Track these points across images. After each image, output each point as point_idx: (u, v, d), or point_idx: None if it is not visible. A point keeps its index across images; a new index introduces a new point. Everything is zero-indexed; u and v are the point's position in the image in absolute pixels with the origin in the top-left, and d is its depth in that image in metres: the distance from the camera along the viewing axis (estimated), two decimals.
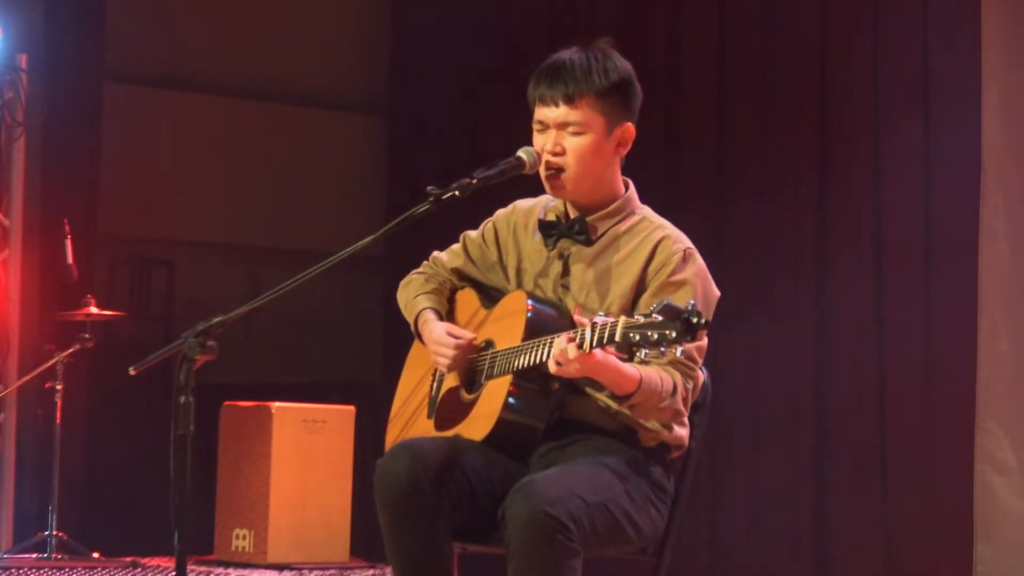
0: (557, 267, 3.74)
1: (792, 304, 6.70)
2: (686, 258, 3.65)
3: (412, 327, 3.93)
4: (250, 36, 9.37)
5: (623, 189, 3.76)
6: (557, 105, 3.66)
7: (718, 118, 7.08)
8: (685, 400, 3.60)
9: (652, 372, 3.51)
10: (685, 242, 3.69)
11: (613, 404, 3.60)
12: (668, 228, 3.72)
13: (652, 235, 3.69)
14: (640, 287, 3.65)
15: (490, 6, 8.33)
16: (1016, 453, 5.85)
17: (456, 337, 3.76)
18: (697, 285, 3.63)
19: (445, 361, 3.77)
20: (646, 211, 3.78)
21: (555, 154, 3.67)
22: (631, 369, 3.47)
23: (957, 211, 6.12)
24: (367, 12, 9.62)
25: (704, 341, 3.60)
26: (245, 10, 9.39)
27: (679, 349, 3.23)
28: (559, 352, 3.39)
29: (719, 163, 7.06)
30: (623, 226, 3.72)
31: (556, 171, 3.68)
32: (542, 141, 3.69)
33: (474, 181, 3.62)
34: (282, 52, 9.43)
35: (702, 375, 3.69)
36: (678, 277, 3.63)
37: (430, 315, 3.87)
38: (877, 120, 6.47)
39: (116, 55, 8.69)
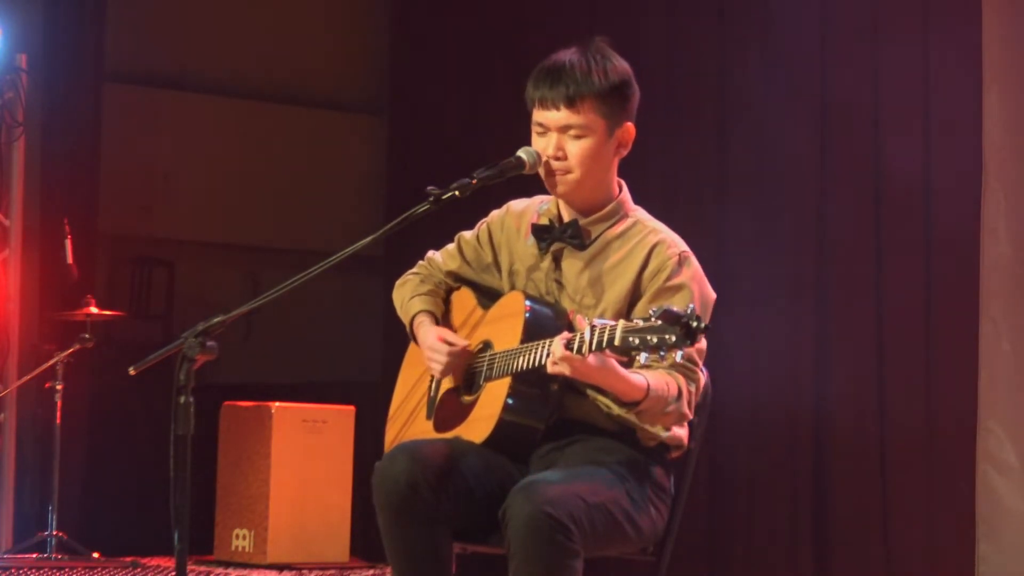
0: (550, 270, 3.73)
1: (793, 305, 6.70)
2: (681, 262, 3.63)
3: (407, 329, 3.93)
4: (250, 36, 9.37)
5: (617, 191, 3.75)
6: (558, 108, 3.63)
7: (717, 116, 7.07)
8: (690, 403, 3.59)
9: (658, 378, 3.50)
10: (680, 246, 3.68)
11: (616, 408, 3.59)
12: (662, 232, 3.70)
13: (646, 240, 3.67)
14: (635, 293, 3.63)
15: (490, 6, 8.32)
16: (1018, 453, 5.84)
17: (450, 344, 3.76)
18: (694, 289, 3.62)
19: (438, 367, 3.76)
20: (640, 213, 3.76)
21: (557, 158, 3.65)
22: (638, 377, 3.46)
23: (957, 211, 6.11)
24: (367, 12, 9.62)
25: (703, 343, 3.59)
26: (245, 10, 9.39)
27: (679, 353, 3.21)
28: (558, 354, 3.38)
29: (719, 162, 7.05)
30: (616, 230, 3.70)
31: (558, 173, 3.67)
32: (543, 144, 3.67)
33: (474, 181, 3.60)
34: (282, 52, 9.43)
35: (703, 376, 3.69)
36: (675, 281, 3.61)
37: (425, 318, 3.87)
38: (878, 120, 6.46)
39: (116, 55, 8.68)
